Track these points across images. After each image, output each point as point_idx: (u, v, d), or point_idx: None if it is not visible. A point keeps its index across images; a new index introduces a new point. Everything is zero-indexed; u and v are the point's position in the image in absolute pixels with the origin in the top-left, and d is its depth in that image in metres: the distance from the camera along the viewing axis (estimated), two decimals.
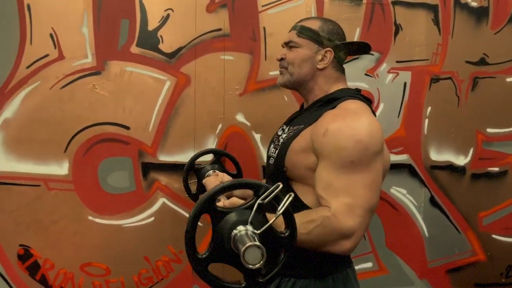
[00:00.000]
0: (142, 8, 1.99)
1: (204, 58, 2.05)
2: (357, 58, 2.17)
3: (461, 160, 2.29)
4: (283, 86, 1.43)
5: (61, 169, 1.98)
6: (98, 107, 1.99)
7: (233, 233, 0.92)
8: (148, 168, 2.04)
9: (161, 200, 2.05)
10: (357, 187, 1.16)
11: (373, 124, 1.21)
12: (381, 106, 2.21)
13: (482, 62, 2.28)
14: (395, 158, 2.23)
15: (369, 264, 2.26)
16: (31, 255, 1.97)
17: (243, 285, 0.95)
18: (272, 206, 0.96)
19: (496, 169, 2.32)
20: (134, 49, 2.00)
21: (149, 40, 2.00)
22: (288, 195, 0.96)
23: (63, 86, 1.96)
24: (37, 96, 1.94)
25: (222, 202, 1.14)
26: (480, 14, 2.26)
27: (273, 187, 0.94)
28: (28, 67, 1.93)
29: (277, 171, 1.33)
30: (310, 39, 1.36)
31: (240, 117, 2.10)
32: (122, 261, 2.04)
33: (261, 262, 0.88)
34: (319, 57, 1.36)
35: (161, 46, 2.01)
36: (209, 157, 1.91)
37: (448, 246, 2.32)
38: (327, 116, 1.25)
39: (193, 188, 1.85)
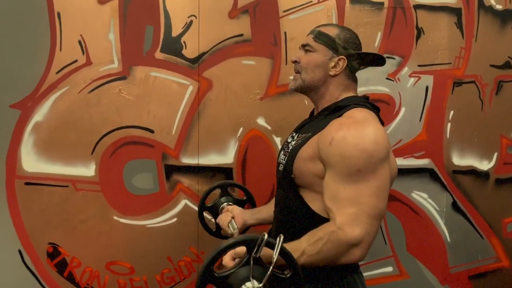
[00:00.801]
0: (166, 15, 2.05)
1: (226, 63, 2.10)
2: None
3: (484, 165, 2.26)
4: (294, 90, 1.45)
5: (88, 170, 2.05)
6: (123, 110, 2.05)
7: None
8: (171, 170, 2.09)
9: (183, 202, 2.10)
10: (363, 196, 1.18)
11: (378, 132, 1.23)
12: (403, 110, 2.21)
13: (507, 65, 2.24)
14: (416, 162, 2.22)
15: (389, 269, 2.26)
16: (60, 253, 2.05)
17: None
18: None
19: None
20: (159, 54, 2.06)
21: (173, 46, 2.06)
22: (278, 238, 0.99)
23: (91, 91, 2.04)
24: (66, 100, 2.02)
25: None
26: (505, 16, 2.23)
27: (259, 239, 0.98)
28: (57, 72, 2.01)
29: (286, 178, 1.35)
30: (325, 45, 1.38)
31: (260, 121, 2.13)
32: (146, 260, 2.09)
33: None
34: (332, 64, 1.37)
35: (184, 52, 2.07)
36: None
37: (471, 252, 2.29)
38: (333, 125, 1.27)
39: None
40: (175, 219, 2.10)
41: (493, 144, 2.26)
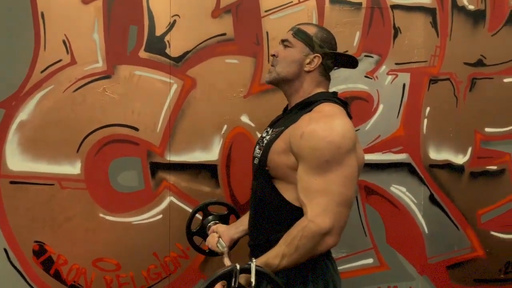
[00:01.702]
0: (150, 14, 2.08)
1: (209, 62, 2.14)
2: None
3: (459, 159, 2.36)
4: (269, 83, 1.53)
5: (73, 168, 2.07)
6: (108, 109, 2.08)
7: None
8: (156, 167, 2.12)
9: (169, 199, 2.14)
10: (332, 185, 1.27)
11: (345, 125, 1.32)
12: (381, 107, 2.28)
13: (480, 63, 2.34)
14: (394, 157, 2.30)
15: (370, 260, 2.33)
16: (46, 250, 2.07)
17: None
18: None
19: (494, 167, 2.38)
20: (143, 53, 2.09)
21: (157, 45, 2.09)
22: (251, 263, 1.08)
23: (76, 90, 2.05)
24: (51, 99, 2.04)
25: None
26: (477, 16, 2.32)
27: (233, 270, 1.06)
28: (42, 71, 2.02)
29: (261, 170, 1.43)
30: (303, 41, 1.46)
31: (244, 118, 2.18)
32: (132, 257, 2.12)
33: None
34: (308, 60, 1.46)
35: (168, 51, 2.10)
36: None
37: (448, 243, 2.38)
38: (304, 119, 1.36)
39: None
40: (160, 216, 2.14)
41: (468, 139, 2.36)
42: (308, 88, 1.48)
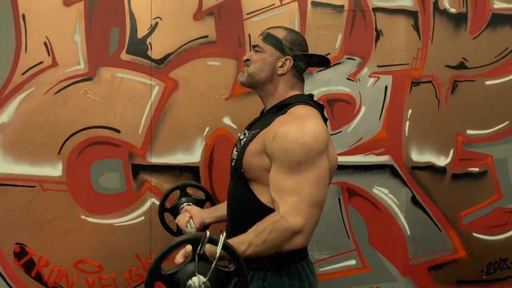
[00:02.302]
0: (131, 16, 2.09)
1: (191, 64, 2.14)
2: (339, 64, 2.25)
3: (441, 161, 2.37)
4: (242, 84, 1.54)
5: (55, 170, 2.07)
6: (90, 111, 2.08)
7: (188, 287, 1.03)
8: (138, 169, 2.13)
9: (151, 200, 2.14)
10: (304, 186, 1.27)
11: (317, 127, 1.32)
12: (363, 109, 2.29)
13: (462, 66, 2.36)
14: (377, 159, 2.31)
15: (352, 262, 2.34)
16: (27, 252, 2.07)
17: None
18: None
19: (476, 169, 2.40)
20: (124, 55, 2.10)
21: (139, 47, 2.10)
22: (221, 235, 1.07)
23: (57, 92, 2.05)
24: (32, 101, 2.04)
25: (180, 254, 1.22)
26: (458, 19, 2.34)
27: (203, 237, 1.05)
28: (23, 73, 2.02)
29: (236, 172, 1.44)
30: (273, 45, 1.48)
31: (226, 120, 2.19)
32: (114, 258, 2.12)
33: None
34: (279, 63, 1.47)
35: (150, 53, 2.11)
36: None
37: (430, 244, 2.40)
38: (277, 122, 1.37)
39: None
40: (142, 218, 2.14)
41: (450, 141, 2.37)
42: (282, 91, 1.49)
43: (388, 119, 2.31)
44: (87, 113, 2.08)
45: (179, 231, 1.78)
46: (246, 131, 1.54)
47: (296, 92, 1.49)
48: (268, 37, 1.49)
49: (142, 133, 2.12)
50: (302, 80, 1.52)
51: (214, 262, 1.05)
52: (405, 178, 2.34)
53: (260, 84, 1.50)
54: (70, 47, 2.06)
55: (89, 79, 2.07)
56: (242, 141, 1.49)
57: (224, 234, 1.08)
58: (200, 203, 1.85)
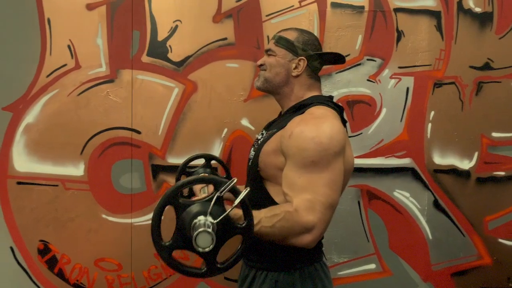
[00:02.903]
0: (152, 20, 2.13)
1: (210, 66, 2.16)
2: (359, 65, 2.23)
3: (465, 164, 2.31)
4: (258, 89, 1.54)
5: (77, 170, 2.13)
6: (111, 112, 2.13)
7: (193, 222, 1.01)
8: (157, 170, 2.16)
9: None
10: (317, 185, 1.25)
11: (334, 128, 1.30)
12: (384, 111, 2.26)
13: (487, 66, 2.29)
14: (398, 161, 2.27)
15: (372, 266, 2.30)
16: (50, 250, 2.13)
17: (203, 270, 1.04)
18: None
19: (502, 173, 2.32)
20: (145, 58, 2.13)
21: (159, 49, 2.13)
22: (245, 189, 1.05)
23: (80, 93, 2.11)
24: (56, 102, 2.10)
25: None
26: (484, 19, 2.27)
27: (229, 181, 1.03)
28: (48, 76, 2.09)
29: (252, 171, 1.44)
30: (285, 48, 1.47)
31: (244, 122, 2.19)
32: (133, 257, 2.16)
33: (211, 246, 0.98)
34: (293, 65, 1.46)
35: (170, 55, 2.14)
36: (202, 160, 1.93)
37: (453, 250, 2.33)
38: (294, 121, 1.35)
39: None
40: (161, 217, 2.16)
41: (474, 143, 2.31)
42: (298, 92, 1.48)
43: (409, 121, 2.27)
44: (108, 114, 2.13)
45: (189, 196, 1.74)
46: (263, 131, 1.55)
47: (314, 93, 1.48)
48: (280, 40, 1.48)
49: (162, 134, 2.15)
50: (318, 80, 1.51)
51: (229, 210, 1.03)
52: (427, 182, 2.29)
53: (276, 87, 1.49)
54: (92, 50, 2.11)
55: (111, 81, 2.12)
56: (259, 141, 1.49)
57: (248, 189, 1.07)
58: None
